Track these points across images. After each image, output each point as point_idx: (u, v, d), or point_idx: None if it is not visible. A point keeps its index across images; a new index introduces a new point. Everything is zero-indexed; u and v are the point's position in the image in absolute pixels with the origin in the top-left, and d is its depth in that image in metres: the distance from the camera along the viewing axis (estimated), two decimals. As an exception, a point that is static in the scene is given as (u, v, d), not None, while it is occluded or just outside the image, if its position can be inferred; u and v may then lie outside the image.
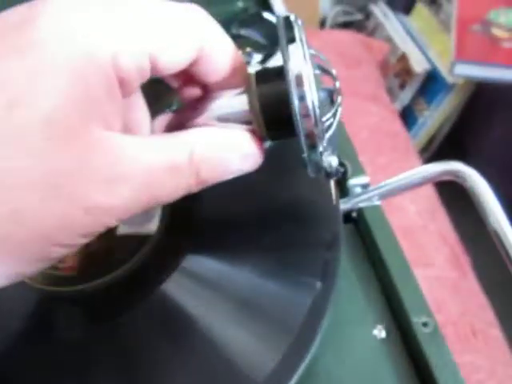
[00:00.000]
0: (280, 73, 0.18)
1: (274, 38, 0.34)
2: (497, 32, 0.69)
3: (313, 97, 0.17)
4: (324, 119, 0.18)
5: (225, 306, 0.23)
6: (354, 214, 0.27)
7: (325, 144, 0.18)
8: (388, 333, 0.22)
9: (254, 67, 0.24)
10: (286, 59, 0.17)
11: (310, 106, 0.17)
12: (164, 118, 0.21)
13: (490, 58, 0.68)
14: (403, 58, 0.83)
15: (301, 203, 0.24)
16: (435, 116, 0.83)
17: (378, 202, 0.26)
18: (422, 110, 0.84)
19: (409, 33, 0.89)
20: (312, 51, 0.18)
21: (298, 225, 0.24)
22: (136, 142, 0.15)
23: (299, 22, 0.18)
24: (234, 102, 0.19)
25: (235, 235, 0.24)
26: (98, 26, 0.15)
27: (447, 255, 0.41)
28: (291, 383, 0.20)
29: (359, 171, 0.28)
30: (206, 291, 0.23)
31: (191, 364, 0.21)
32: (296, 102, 0.17)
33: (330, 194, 0.24)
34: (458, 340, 0.35)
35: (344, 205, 0.26)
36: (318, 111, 0.17)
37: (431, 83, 0.83)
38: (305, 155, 0.18)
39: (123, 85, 0.15)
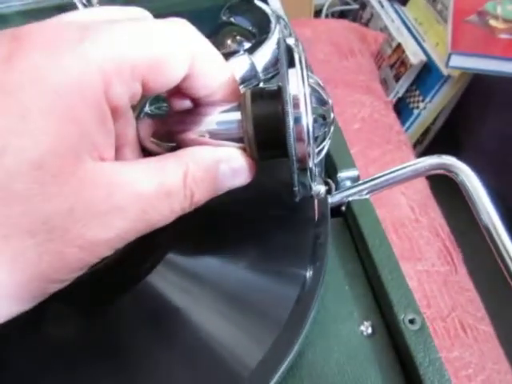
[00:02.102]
0: (276, 94, 0.18)
1: (263, 26, 0.33)
2: (493, 23, 0.69)
3: (308, 121, 0.17)
4: (317, 149, 0.19)
5: (210, 299, 0.22)
6: (343, 208, 0.26)
7: (315, 168, 0.18)
8: (374, 329, 0.21)
9: (247, 89, 0.24)
10: (285, 84, 0.17)
11: (305, 131, 0.17)
12: (149, 124, 0.20)
13: (486, 50, 0.67)
14: (399, 49, 0.82)
15: (288, 195, 0.23)
16: (430, 108, 0.82)
17: (367, 196, 0.26)
18: (416, 101, 0.84)
19: (405, 23, 0.88)
20: (311, 77, 0.19)
21: (285, 217, 0.24)
22: (128, 170, 0.15)
23: (300, 47, 0.18)
24: (227, 118, 0.19)
25: (222, 227, 0.24)
26: (85, 57, 0.14)
27: (438, 249, 0.41)
28: (276, 377, 0.20)
29: (349, 164, 0.27)
30: (191, 283, 0.23)
31: (176, 356, 0.21)
32: (291, 126, 0.17)
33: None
34: (447, 335, 0.35)
35: (333, 198, 0.25)
36: (312, 136, 0.17)
37: (426, 75, 0.82)
38: (294, 177, 0.18)
39: (115, 112, 0.15)
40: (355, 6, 1.19)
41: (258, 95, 0.20)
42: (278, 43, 0.19)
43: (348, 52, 0.65)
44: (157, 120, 0.21)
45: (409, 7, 0.95)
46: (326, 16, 1.21)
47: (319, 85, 0.21)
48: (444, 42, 0.75)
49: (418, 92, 0.83)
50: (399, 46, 0.82)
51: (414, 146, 0.93)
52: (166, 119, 0.20)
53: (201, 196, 0.17)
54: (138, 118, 0.24)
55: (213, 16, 0.45)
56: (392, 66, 0.84)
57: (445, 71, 0.77)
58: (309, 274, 0.22)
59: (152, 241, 0.24)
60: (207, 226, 0.24)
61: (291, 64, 0.19)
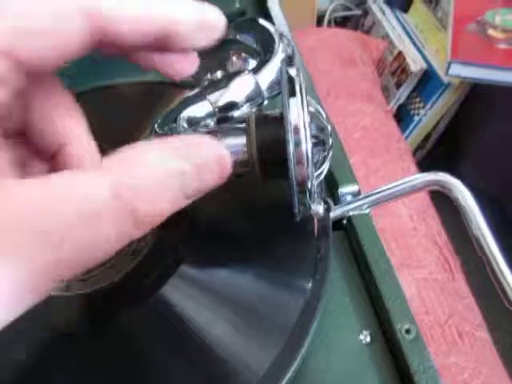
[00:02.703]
0: (278, 121, 0.19)
1: (268, 44, 0.35)
2: (492, 33, 0.70)
3: (307, 148, 0.18)
4: (317, 172, 0.20)
5: (219, 310, 0.24)
6: (345, 222, 0.27)
7: (315, 189, 0.20)
8: (373, 338, 0.23)
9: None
10: (286, 113, 0.19)
11: (305, 156, 0.18)
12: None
13: (485, 59, 0.68)
14: (400, 56, 0.84)
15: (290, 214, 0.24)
16: (431, 115, 0.84)
17: (367, 211, 0.27)
18: (417, 108, 0.85)
19: (405, 30, 0.89)
20: (311, 105, 0.20)
21: (289, 232, 0.25)
22: (37, 194, 0.11)
23: (301, 77, 0.20)
24: (233, 142, 0.20)
25: (230, 242, 0.25)
26: None
27: (436, 257, 0.42)
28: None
29: (350, 179, 0.28)
30: (203, 295, 0.24)
31: (187, 363, 0.22)
32: (292, 152, 0.18)
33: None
34: (444, 342, 0.36)
35: (334, 213, 0.26)
36: (311, 161, 0.18)
37: (427, 82, 0.83)
38: (295, 199, 0.19)
39: None
40: (357, 12, 1.20)
41: (262, 121, 0.21)
42: (281, 73, 0.21)
43: (350, 61, 0.66)
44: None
45: (410, 14, 0.96)
46: (329, 21, 1.22)
47: (319, 112, 0.22)
48: (444, 48, 0.77)
49: (418, 99, 0.85)
50: (400, 53, 0.84)
51: (416, 151, 0.95)
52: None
53: (151, 209, 0.13)
54: (148, 137, 0.26)
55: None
56: (393, 73, 0.86)
57: (445, 78, 0.78)
58: (312, 285, 0.24)
59: (165, 254, 0.25)
60: (217, 240, 0.25)
61: (292, 93, 0.20)
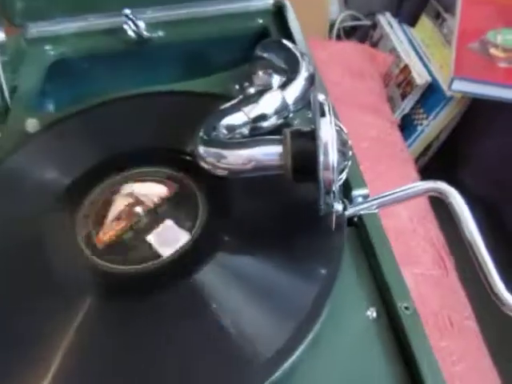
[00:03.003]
0: (310, 135, 0.24)
1: (290, 62, 0.40)
2: (494, 51, 0.75)
3: (333, 159, 0.23)
4: (339, 177, 0.25)
5: (249, 290, 0.29)
6: (356, 219, 0.32)
7: (337, 190, 0.25)
8: (378, 314, 0.28)
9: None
10: (318, 131, 0.24)
11: (331, 165, 0.23)
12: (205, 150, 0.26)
13: (487, 77, 0.73)
14: (405, 70, 0.89)
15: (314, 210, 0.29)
16: (433, 125, 0.89)
17: (375, 211, 0.32)
18: (421, 119, 0.90)
19: (412, 44, 0.94)
20: (338, 124, 0.25)
21: (311, 227, 0.30)
22: None
23: (329, 102, 0.25)
24: (270, 151, 0.26)
25: (262, 233, 0.30)
26: None
27: (433, 256, 0.47)
28: (301, 348, 0.26)
29: (362, 184, 0.33)
30: (236, 276, 0.29)
31: (215, 334, 0.27)
32: (322, 162, 0.23)
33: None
34: (437, 329, 0.41)
35: (348, 212, 0.31)
36: (336, 169, 0.23)
37: (431, 94, 0.88)
38: (322, 198, 0.25)
39: None
40: (366, 22, 1.25)
41: (296, 135, 0.26)
42: (312, 98, 0.26)
43: (359, 74, 0.71)
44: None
45: (417, 29, 1.01)
46: (338, 31, 1.27)
47: (342, 129, 0.27)
48: (448, 64, 0.81)
49: (422, 110, 0.90)
50: (406, 66, 0.89)
51: (418, 158, 0.99)
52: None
53: None
54: (196, 143, 0.31)
55: (241, 43, 0.51)
56: (399, 85, 0.91)
57: (448, 92, 0.83)
58: (328, 271, 0.29)
59: (207, 243, 0.30)
60: (250, 232, 0.31)
61: (322, 113, 0.25)
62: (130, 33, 0.49)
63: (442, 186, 0.31)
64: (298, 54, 0.39)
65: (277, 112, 0.34)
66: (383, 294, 0.28)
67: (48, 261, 0.30)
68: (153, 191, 0.33)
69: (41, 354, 0.26)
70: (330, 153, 0.23)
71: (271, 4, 0.53)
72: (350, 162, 0.27)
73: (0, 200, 0.34)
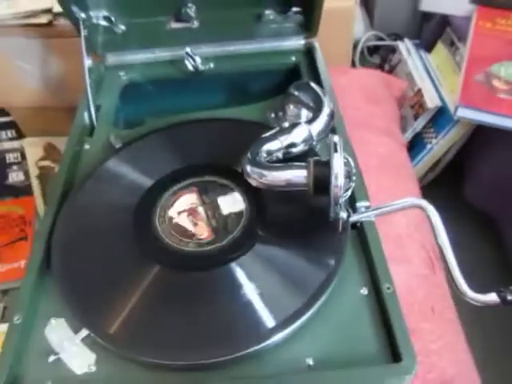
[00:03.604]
0: (326, 164, 0.36)
1: (316, 101, 0.51)
2: (496, 83, 0.85)
3: (341, 182, 0.35)
4: (345, 194, 0.37)
5: (274, 272, 0.40)
6: (358, 224, 0.44)
7: (343, 202, 0.37)
8: (369, 291, 0.39)
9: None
10: (331, 161, 0.35)
11: (339, 186, 0.34)
12: (252, 169, 0.40)
13: (489, 107, 0.83)
14: (419, 93, 0.99)
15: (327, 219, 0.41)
16: (441, 144, 0.99)
17: (373, 219, 0.43)
18: (430, 137, 1.00)
19: (427, 70, 1.04)
20: (346, 157, 0.36)
21: (323, 228, 0.42)
22: None
23: (341, 141, 0.36)
24: (298, 174, 0.37)
25: (288, 231, 0.42)
26: None
27: (424, 258, 0.58)
28: (309, 313, 0.37)
29: (364, 197, 0.45)
30: (267, 262, 0.41)
31: (249, 300, 0.39)
32: (333, 182, 0.35)
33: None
34: (420, 313, 0.52)
35: (352, 218, 0.43)
36: (343, 189, 0.35)
37: (441, 116, 0.98)
38: (332, 207, 0.36)
39: None
40: (389, 42, 1.35)
41: (317, 164, 0.38)
42: (329, 138, 0.38)
43: (375, 99, 0.82)
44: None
45: (433, 54, 1.11)
46: (362, 49, 1.37)
47: (349, 161, 0.38)
48: (457, 91, 0.91)
49: (432, 130, 1.00)
50: (420, 90, 0.99)
51: (427, 173, 1.09)
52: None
53: None
54: (244, 163, 0.43)
55: (277, 77, 0.63)
56: (412, 106, 1.01)
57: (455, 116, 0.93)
58: (335, 259, 0.40)
59: (247, 236, 0.42)
60: (279, 229, 0.42)
61: (335, 149, 0.37)
62: (190, 67, 0.61)
63: (423, 202, 0.42)
64: (322, 95, 0.51)
65: (304, 141, 0.46)
66: (373, 277, 0.39)
67: (134, 235, 0.42)
68: (213, 197, 0.45)
69: (122, 295, 0.38)
70: (338, 178, 0.35)
71: (302, 44, 0.64)
72: (353, 184, 0.39)
73: (102, 190, 0.47)
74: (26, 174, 1.25)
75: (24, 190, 1.25)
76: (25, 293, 0.39)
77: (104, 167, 0.48)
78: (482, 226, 1.02)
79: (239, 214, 0.44)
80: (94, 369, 0.36)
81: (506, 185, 0.93)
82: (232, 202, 0.44)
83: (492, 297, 0.37)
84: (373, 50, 1.42)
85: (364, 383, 0.34)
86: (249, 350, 0.35)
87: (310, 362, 0.35)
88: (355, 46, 1.35)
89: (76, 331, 0.38)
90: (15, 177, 1.27)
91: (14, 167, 1.27)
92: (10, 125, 1.24)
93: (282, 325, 0.36)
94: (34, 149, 1.19)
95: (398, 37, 1.31)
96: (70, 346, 0.37)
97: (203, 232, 0.43)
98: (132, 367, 0.36)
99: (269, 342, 0.36)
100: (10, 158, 1.28)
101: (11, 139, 1.27)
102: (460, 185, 1.06)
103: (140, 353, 0.35)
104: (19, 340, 0.37)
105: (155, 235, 0.43)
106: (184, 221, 0.43)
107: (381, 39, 1.39)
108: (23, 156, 1.26)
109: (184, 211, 0.44)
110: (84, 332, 0.38)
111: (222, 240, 0.42)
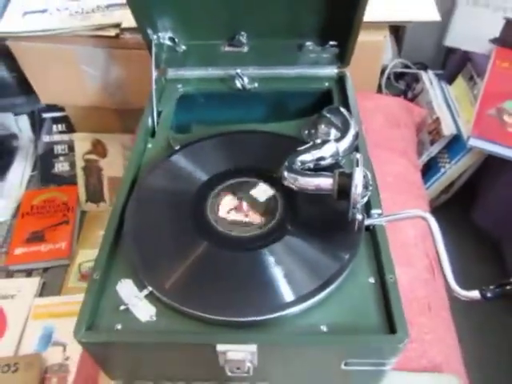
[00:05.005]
0: (348, 176, 0.46)
1: (344, 124, 0.61)
2: (506, 118, 0.93)
3: (359, 191, 0.45)
4: (361, 200, 0.47)
5: (298, 260, 0.50)
6: (371, 227, 0.53)
7: (360, 207, 0.46)
8: (375, 280, 0.48)
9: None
10: (353, 173, 0.45)
11: (358, 194, 0.44)
12: (287, 175, 0.50)
13: (499, 139, 0.92)
14: (437, 121, 1.08)
15: (346, 220, 0.50)
16: (454, 169, 1.07)
17: (384, 224, 0.53)
18: (444, 162, 1.09)
19: (446, 100, 1.13)
20: (365, 171, 0.46)
21: (343, 227, 0.51)
22: None
23: (362, 158, 0.46)
24: (326, 182, 0.47)
25: (312, 228, 0.52)
26: None
27: (426, 264, 0.67)
28: (324, 293, 0.47)
29: (378, 206, 0.54)
30: (292, 252, 0.51)
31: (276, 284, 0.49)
32: (353, 190, 0.44)
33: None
34: (418, 309, 0.61)
35: (366, 221, 0.52)
36: (360, 195, 0.45)
37: (455, 143, 1.07)
38: (350, 210, 0.46)
39: None
40: (415, 70, 1.45)
41: (341, 175, 0.48)
42: (352, 155, 0.47)
43: (396, 123, 0.92)
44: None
45: (453, 86, 1.20)
46: (388, 75, 1.47)
47: (367, 174, 0.48)
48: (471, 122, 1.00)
49: (446, 155, 1.08)
50: (437, 118, 1.08)
51: (440, 195, 1.18)
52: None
53: None
54: (282, 170, 0.53)
55: (311, 99, 0.73)
56: (430, 132, 1.10)
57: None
58: (350, 253, 0.50)
59: (278, 229, 0.52)
60: (305, 226, 0.52)
61: (357, 164, 0.47)
62: (238, 85, 0.72)
63: (426, 214, 0.51)
64: (349, 118, 0.61)
65: (331, 156, 0.56)
66: (379, 269, 0.49)
67: (189, 216, 0.53)
68: (255, 194, 0.56)
69: (178, 262, 0.49)
70: (358, 187, 0.45)
71: (336, 73, 0.74)
72: (369, 193, 0.48)
73: (166, 180, 0.58)
74: (71, 164, 1.38)
75: (68, 179, 1.38)
76: (102, 255, 0.50)
77: (167, 161, 0.60)
78: (487, 247, 1.10)
79: (274, 198, 0.55)
80: (154, 319, 0.46)
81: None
82: (263, 191, 0.55)
83: (475, 293, 0.46)
84: (399, 76, 1.52)
85: (366, 348, 0.44)
86: (275, 315, 0.45)
87: (325, 328, 0.45)
88: (383, 71, 1.45)
89: (140, 290, 0.48)
90: (61, 167, 1.40)
91: (61, 158, 1.41)
92: (63, 119, 1.38)
93: (302, 298, 0.46)
94: (82, 143, 1.32)
95: (423, 66, 1.41)
96: (136, 299, 0.47)
97: (256, 218, 0.53)
98: (182, 319, 0.46)
99: (292, 310, 0.45)
100: (58, 149, 1.41)
101: (61, 132, 1.40)
102: (469, 208, 1.14)
103: (188, 306, 0.45)
104: (96, 292, 0.48)
105: (206, 220, 0.53)
106: (237, 216, 0.54)
107: (407, 67, 1.49)
108: (70, 148, 1.39)
109: (232, 209, 0.55)
110: (147, 290, 0.48)
111: (270, 222, 0.53)
